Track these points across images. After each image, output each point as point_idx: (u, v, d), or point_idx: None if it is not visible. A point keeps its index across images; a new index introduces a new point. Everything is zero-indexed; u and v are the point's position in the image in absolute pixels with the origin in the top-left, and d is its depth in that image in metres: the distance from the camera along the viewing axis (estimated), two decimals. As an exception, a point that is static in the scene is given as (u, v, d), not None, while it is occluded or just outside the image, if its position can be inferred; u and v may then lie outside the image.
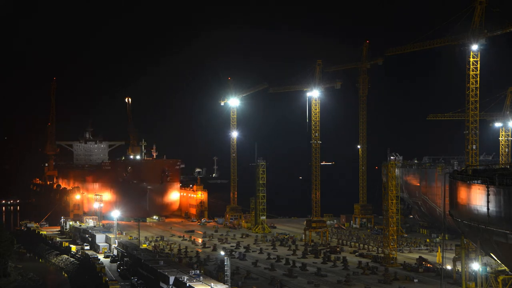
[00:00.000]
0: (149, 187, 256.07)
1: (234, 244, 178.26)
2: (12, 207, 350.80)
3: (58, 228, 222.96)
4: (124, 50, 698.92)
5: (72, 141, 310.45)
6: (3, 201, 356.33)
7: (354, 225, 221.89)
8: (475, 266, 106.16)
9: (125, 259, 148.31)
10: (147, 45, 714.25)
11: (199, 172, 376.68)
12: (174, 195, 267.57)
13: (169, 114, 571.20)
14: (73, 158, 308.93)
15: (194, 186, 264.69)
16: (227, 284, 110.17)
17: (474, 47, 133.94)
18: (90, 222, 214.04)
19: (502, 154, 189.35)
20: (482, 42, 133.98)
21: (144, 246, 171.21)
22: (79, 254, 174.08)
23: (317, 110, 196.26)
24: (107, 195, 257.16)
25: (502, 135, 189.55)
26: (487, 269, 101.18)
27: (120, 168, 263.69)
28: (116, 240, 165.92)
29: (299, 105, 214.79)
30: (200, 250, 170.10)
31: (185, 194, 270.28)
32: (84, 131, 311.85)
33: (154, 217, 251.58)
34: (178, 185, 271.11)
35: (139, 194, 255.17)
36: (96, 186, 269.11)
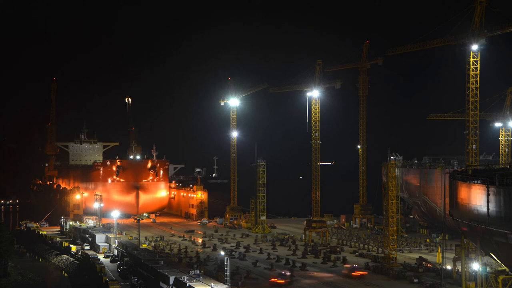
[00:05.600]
0: (137, 185, 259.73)
1: (234, 244, 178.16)
2: (11, 207, 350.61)
3: (58, 228, 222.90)
4: (123, 50, 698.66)
5: (68, 142, 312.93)
6: (3, 201, 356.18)
7: (354, 225, 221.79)
8: (475, 266, 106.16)
9: (125, 259, 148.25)
10: (146, 45, 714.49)
11: (199, 172, 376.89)
12: (163, 194, 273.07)
13: (169, 114, 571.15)
14: (69, 159, 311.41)
15: (194, 186, 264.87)
16: (227, 284, 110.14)
17: (474, 47, 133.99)
18: (90, 222, 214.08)
19: (502, 154, 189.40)
20: (482, 42, 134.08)
21: (144, 246, 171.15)
22: (79, 254, 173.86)
23: (317, 110, 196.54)
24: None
25: (502, 135, 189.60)
26: (487, 269, 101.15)
27: (110, 168, 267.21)
28: (116, 240, 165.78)
29: (299, 105, 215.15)
30: (200, 250, 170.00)
31: (185, 194, 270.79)
32: (80, 132, 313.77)
33: (145, 214, 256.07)
34: (167, 184, 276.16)
35: (129, 192, 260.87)
36: (91, 185, 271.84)
